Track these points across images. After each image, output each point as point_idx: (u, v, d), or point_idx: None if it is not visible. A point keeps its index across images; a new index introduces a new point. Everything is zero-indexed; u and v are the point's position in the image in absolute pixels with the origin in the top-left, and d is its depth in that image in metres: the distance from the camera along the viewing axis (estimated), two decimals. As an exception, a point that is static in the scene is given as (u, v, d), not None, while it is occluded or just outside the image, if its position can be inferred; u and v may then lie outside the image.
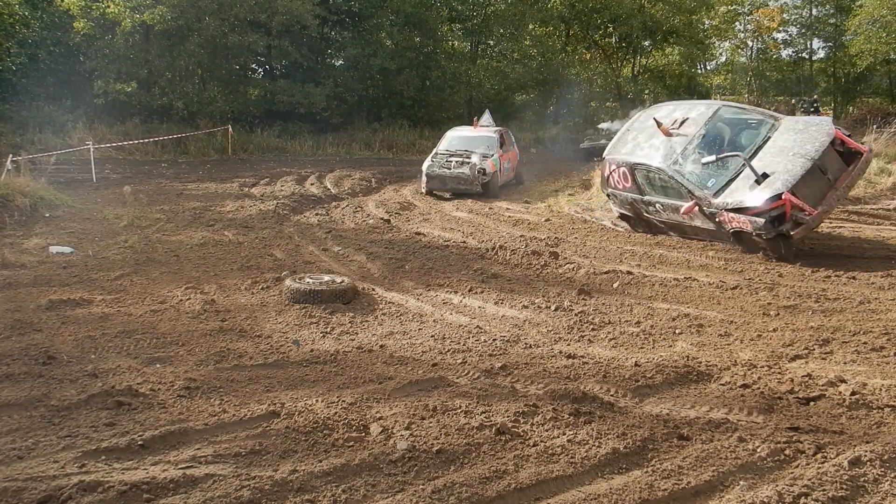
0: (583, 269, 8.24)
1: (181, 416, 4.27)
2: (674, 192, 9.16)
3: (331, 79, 26.55)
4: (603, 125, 24.16)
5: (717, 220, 8.62)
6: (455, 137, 16.35)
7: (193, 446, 3.83)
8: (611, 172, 10.33)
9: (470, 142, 15.91)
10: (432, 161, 15.28)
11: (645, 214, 10.03)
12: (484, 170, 14.82)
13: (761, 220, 8.10)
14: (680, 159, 9.11)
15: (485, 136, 16.15)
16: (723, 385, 4.76)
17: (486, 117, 17.38)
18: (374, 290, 7.53)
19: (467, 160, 15.00)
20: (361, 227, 11.50)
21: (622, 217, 10.80)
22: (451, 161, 15.11)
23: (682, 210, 8.88)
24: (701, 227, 9.12)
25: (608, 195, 10.73)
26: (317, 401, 4.45)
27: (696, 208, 8.69)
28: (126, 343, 5.75)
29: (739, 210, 8.37)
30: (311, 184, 16.43)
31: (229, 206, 13.01)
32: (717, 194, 8.64)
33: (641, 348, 5.67)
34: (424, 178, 15.22)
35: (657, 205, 9.56)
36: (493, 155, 15.30)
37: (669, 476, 3.50)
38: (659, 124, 9.60)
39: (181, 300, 7.05)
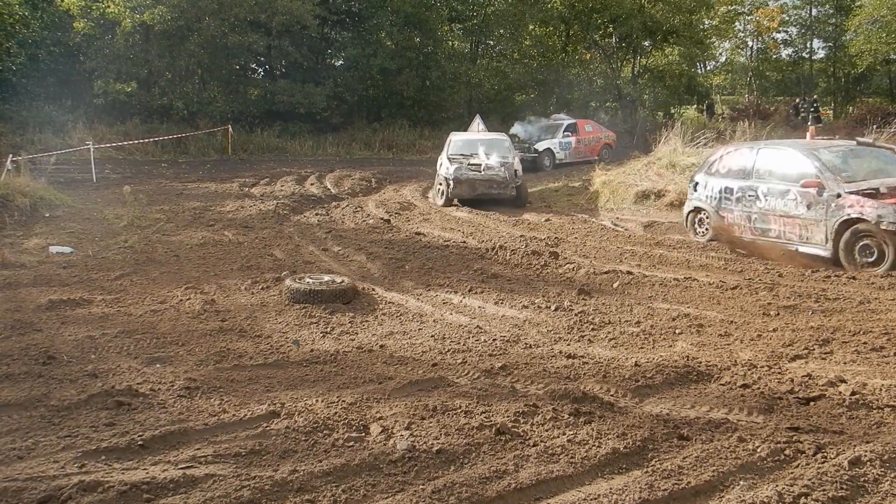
0: (583, 269, 8.23)
1: (181, 416, 4.27)
2: (794, 175, 8.86)
3: (331, 79, 26.56)
4: (516, 129, 22.12)
5: (832, 205, 8.27)
6: (462, 141, 14.79)
7: (193, 446, 3.83)
8: (722, 156, 10.18)
9: (482, 145, 14.35)
10: (458, 164, 13.54)
11: (727, 208, 9.68)
12: (517, 171, 13.47)
13: (891, 208, 7.72)
14: (822, 148, 9.05)
15: (496, 138, 14.93)
16: (723, 385, 4.75)
17: (479, 123, 16.32)
18: (374, 290, 7.53)
19: (492, 163, 13.52)
20: (361, 227, 11.50)
21: (693, 211, 10.33)
22: (479, 163, 13.51)
23: (802, 182, 8.61)
24: (796, 219, 8.71)
25: (695, 183, 10.33)
26: (317, 401, 4.44)
27: (816, 188, 8.46)
28: (126, 343, 5.76)
29: (871, 194, 8.09)
30: (311, 184, 16.44)
31: (229, 206, 13.02)
32: (848, 182, 8.41)
33: (641, 348, 5.66)
34: (449, 184, 13.30)
35: (759, 189, 9.19)
36: (514, 158, 13.94)
37: (669, 476, 3.49)
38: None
39: (181, 300, 7.05)
